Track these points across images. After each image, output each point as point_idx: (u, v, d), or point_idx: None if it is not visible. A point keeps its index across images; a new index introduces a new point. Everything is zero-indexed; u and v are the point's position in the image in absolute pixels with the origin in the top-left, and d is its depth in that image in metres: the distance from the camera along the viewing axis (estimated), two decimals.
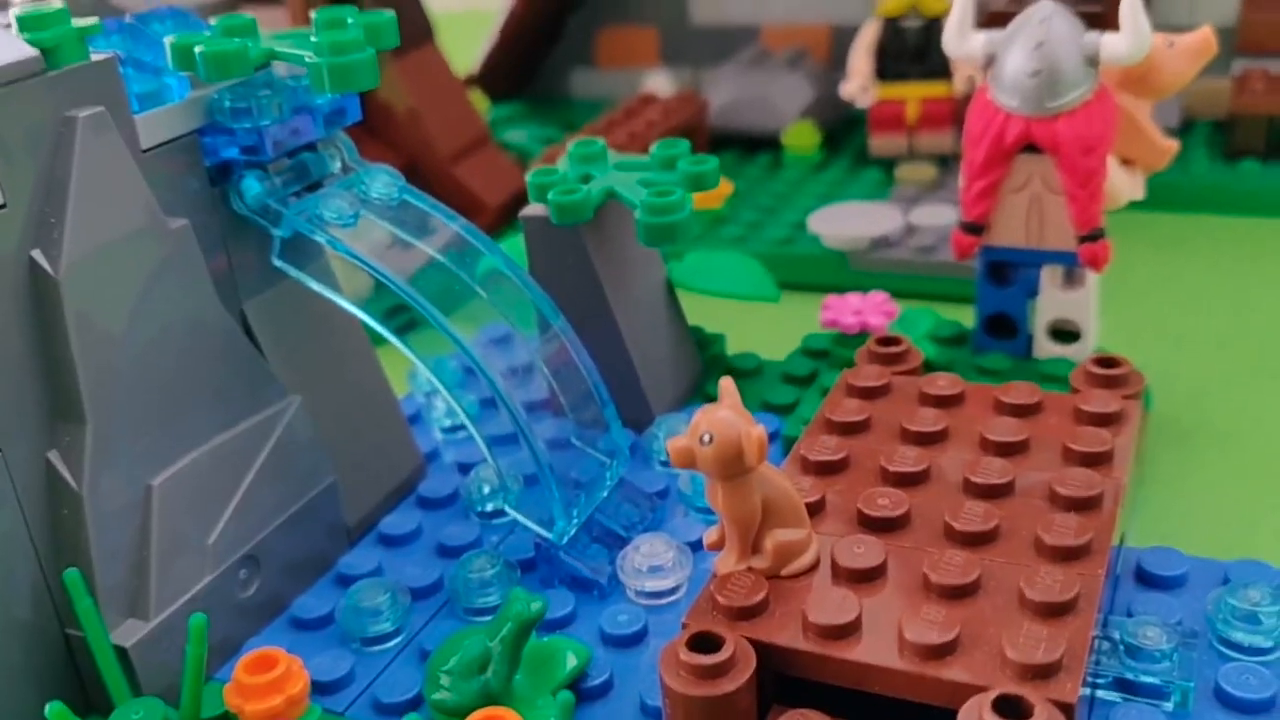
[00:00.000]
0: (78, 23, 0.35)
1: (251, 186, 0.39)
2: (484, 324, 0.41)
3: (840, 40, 0.82)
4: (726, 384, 0.34)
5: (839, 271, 0.62)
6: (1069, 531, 0.34)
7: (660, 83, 0.82)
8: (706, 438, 0.32)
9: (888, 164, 0.72)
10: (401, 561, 0.42)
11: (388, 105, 0.69)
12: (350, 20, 0.39)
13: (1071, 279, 0.49)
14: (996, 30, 0.47)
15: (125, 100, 0.36)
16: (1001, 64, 0.47)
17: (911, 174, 0.69)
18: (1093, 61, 0.46)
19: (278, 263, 0.40)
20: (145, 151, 0.37)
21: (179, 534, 0.37)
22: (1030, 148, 0.47)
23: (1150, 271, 0.63)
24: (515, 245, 0.53)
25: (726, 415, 0.32)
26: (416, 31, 0.70)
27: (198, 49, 0.36)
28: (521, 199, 0.71)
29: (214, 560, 0.38)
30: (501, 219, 0.70)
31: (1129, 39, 0.45)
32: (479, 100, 0.80)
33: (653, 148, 0.47)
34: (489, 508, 0.44)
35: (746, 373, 0.52)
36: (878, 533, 0.35)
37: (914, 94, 0.70)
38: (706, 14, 0.87)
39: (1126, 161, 0.50)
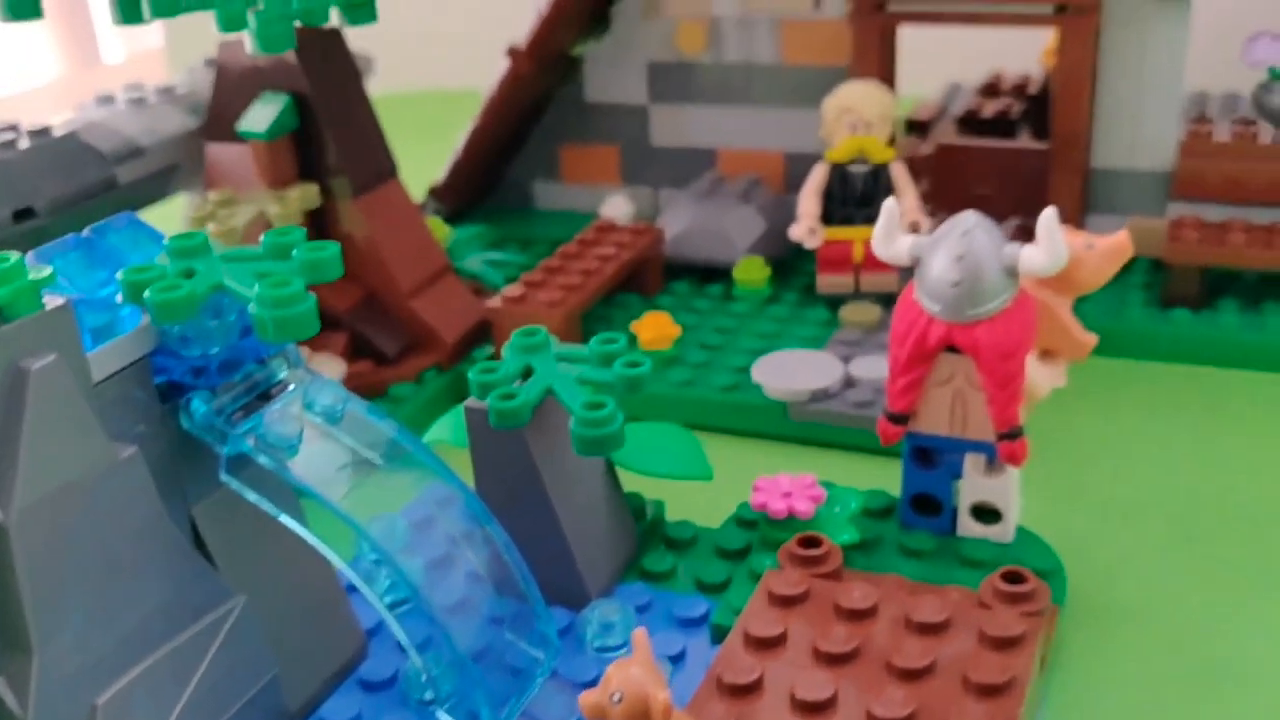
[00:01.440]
0: (33, 275, 0.36)
1: (199, 408, 0.41)
2: (415, 529, 0.43)
3: (794, 167, 0.85)
4: (639, 637, 0.36)
5: (779, 422, 0.65)
6: None
7: (619, 205, 0.84)
8: (616, 696, 0.34)
9: (834, 302, 0.74)
10: None
11: (349, 239, 0.71)
12: (295, 252, 0.41)
13: (993, 465, 0.51)
14: (923, 235, 0.50)
15: (78, 341, 0.37)
16: (926, 268, 0.49)
17: (855, 315, 0.71)
18: (1012, 272, 0.48)
19: (224, 478, 0.42)
20: (96, 384, 0.38)
21: None
22: (953, 347, 0.49)
23: (1077, 421, 0.65)
24: (459, 414, 0.55)
25: (637, 674, 0.34)
26: (380, 170, 0.72)
27: (146, 293, 0.38)
28: (479, 331, 0.73)
29: None
30: (458, 354, 0.72)
31: (1046, 254, 0.47)
32: (438, 227, 0.82)
33: (593, 340, 0.49)
34: (428, 696, 0.46)
35: (682, 543, 0.54)
36: None
37: (860, 235, 0.72)
38: (666, 136, 0.89)
39: (1048, 352, 0.53)
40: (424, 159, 0.96)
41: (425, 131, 1.11)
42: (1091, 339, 0.53)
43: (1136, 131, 0.77)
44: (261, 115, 0.67)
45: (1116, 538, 0.56)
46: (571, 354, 0.50)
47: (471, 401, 0.48)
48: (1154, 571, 0.54)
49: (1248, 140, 0.75)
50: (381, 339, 0.71)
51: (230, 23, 0.53)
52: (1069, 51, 0.74)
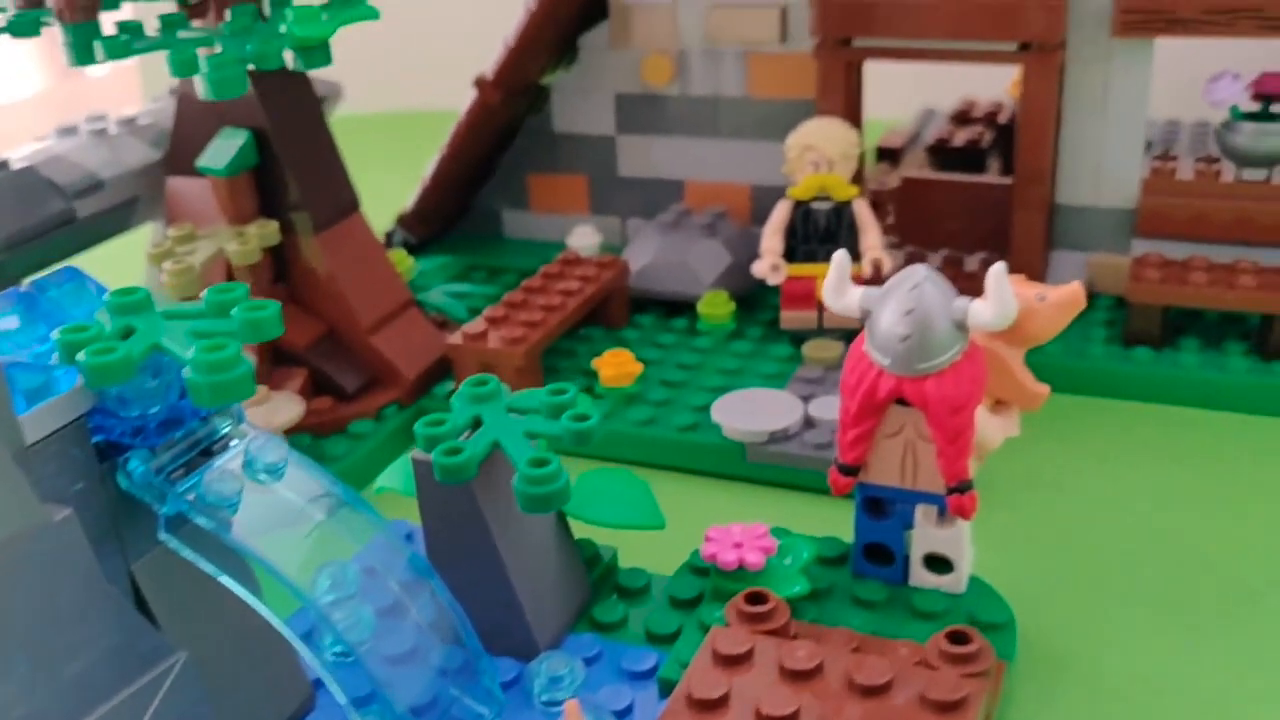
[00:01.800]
0: None
1: (136, 468, 0.41)
2: (366, 576, 0.43)
3: (760, 200, 0.85)
4: (571, 709, 0.36)
5: (737, 463, 0.65)
6: None
7: (586, 235, 0.84)
8: None
9: (798, 338, 0.74)
10: None
11: (310, 274, 0.70)
12: (234, 311, 0.40)
13: (944, 516, 0.51)
14: (873, 288, 0.50)
15: (8, 404, 0.37)
16: (876, 322, 0.49)
17: (818, 352, 0.71)
18: (962, 326, 0.48)
19: (163, 536, 0.42)
20: (30, 446, 0.38)
21: None
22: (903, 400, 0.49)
23: (1036, 462, 0.65)
24: (407, 463, 0.55)
25: None
26: (341, 205, 0.71)
27: (80, 355, 0.38)
28: (440, 367, 0.73)
29: None
30: (418, 390, 0.71)
31: (994, 308, 0.47)
32: (401, 260, 0.81)
33: (544, 390, 0.49)
34: None
35: (634, 592, 0.53)
36: None
37: (823, 272, 0.72)
38: (634, 167, 0.89)
39: (1000, 403, 0.53)
40: (395, 182, 0.96)
41: (397, 154, 1.11)
42: (1043, 390, 0.53)
43: (1100, 168, 0.77)
44: (221, 151, 0.67)
45: (1072, 586, 0.56)
46: (524, 401, 0.50)
47: (418, 453, 0.48)
48: (1109, 622, 0.53)
49: (1210, 178, 0.75)
50: (341, 375, 0.71)
51: (182, 67, 0.53)
52: (1033, 89, 0.74)
